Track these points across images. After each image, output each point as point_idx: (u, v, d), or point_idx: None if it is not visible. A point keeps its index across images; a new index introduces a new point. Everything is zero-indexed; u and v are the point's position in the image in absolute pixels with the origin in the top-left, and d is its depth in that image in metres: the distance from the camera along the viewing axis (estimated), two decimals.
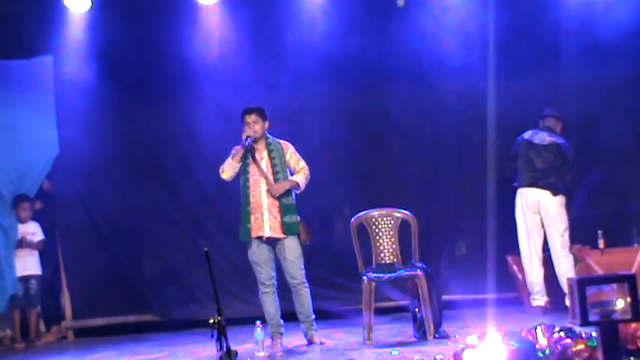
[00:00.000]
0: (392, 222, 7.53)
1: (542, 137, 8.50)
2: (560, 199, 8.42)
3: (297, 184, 7.12)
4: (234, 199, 8.58)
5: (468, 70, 9.28)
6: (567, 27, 9.17)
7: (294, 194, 7.14)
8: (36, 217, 9.31)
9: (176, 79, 9.44)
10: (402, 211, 7.62)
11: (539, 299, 8.40)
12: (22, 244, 9.06)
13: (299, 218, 7.11)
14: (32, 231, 9.20)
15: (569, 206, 8.52)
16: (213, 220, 9.51)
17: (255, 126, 7.04)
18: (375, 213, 7.58)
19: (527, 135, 8.57)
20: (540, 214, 8.42)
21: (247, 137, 6.99)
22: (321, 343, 7.08)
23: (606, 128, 9.13)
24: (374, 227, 7.53)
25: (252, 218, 7.02)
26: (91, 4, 9.09)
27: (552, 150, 8.45)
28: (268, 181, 7.01)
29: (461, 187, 9.50)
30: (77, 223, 9.55)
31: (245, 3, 9.43)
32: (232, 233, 9.01)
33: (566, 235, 8.40)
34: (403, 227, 7.55)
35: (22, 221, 9.12)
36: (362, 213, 7.60)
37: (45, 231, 9.28)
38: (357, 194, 9.23)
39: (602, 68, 9.17)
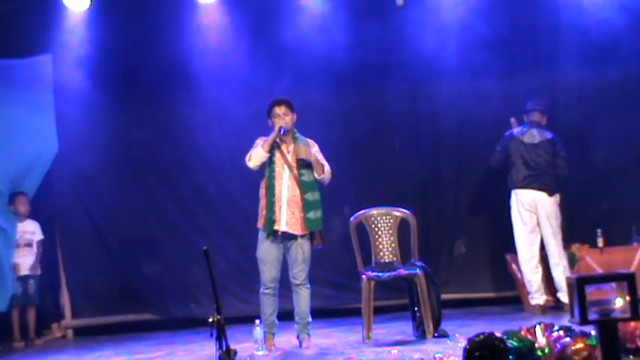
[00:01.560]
0: (391, 221, 7.54)
1: (532, 135, 8.50)
2: (556, 199, 8.45)
3: (323, 167, 7.00)
4: (233, 198, 8.63)
5: (467, 70, 9.29)
6: (565, 27, 9.17)
7: (319, 190, 7.06)
8: (34, 215, 9.29)
9: (175, 78, 9.43)
10: (401, 210, 7.63)
11: (538, 298, 8.40)
12: (21, 243, 9.06)
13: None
14: (31, 230, 9.19)
15: (563, 204, 8.55)
16: (212, 219, 9.50)
17: (285, 117, 6.98)
18: (375, 212, 7.59)
19: (516, 132, 8.56)
20: (537, 214, 8.43)
21: (281, 127, 6.91)
22: (306, 347, 7.00)
23: (604, 127, 9.14)
24: (373, 226, 7.53)
25: (275, 209, 6.92)
26: (90, 2, 9.09)
27: (543, 147, 8.46)
28: (293, 173, 6.93)
29: (460, 186, 9.50)
30: (76, 222, 9.55)
31: (244, 2, 9.43)
32: (232, 233, 9.05)
33: (560, 232, 8.43)
34: (402, 226, 7.56)
35: (20, 216, 9.10)
36: (361, 212, 7.61)
37: (44, 229, 9.27)
38: (357, 193, 9.22)
39: (599, 68, 9.17)
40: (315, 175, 7.00)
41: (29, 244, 9.14)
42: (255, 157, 6.94)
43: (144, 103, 9.55)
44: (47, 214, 9.49)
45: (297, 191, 6.95)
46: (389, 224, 7.53)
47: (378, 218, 7.55)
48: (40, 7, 9.16)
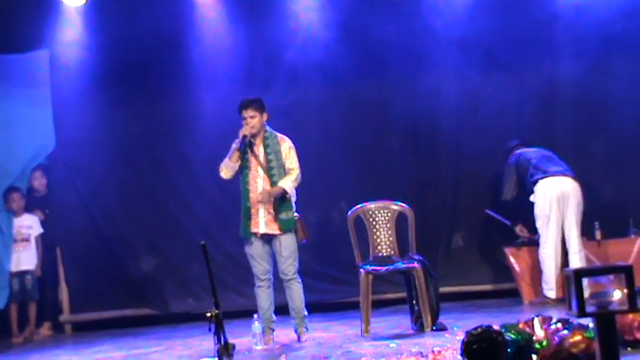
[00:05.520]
0: (389, 214, 7.54)
1: (531, 148, 8.64)
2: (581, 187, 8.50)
3: (284, 191, 6.92)
4: (231, 192, 8.61)
5: (467, 65, 9.29)
6: (564, 23, 9.19)
7: (292, 190, 7.06)
8: (30, 209, 9.27)
9: (173, 73, 9.44)
10: (398, 203, 7.62)
11: (554, 290, 8.34)
12: (18, 238, 9.06)
13: (297, 215, 7.04)
14: (28, 224, 9.17)
15: None
16: (210, 213, 9.51)
17: (252, 121, 6.91)
18: (372, 205, 7.59)
19: (517, 152, 8.65)
20: (567, 204, 8.39)
21: (244, 137, 6.86)
22: (305, 341, 6.99)
23: (602, 121, 9.15)
24: (371, 220, 7.53)
25: (251, 213, 6.96)
26: None
27: (547, 150, 8.59)
28: (266, 173, 6.91)
29: (458, 179, 9.50)
30: (74, 217, 9.55)
31: None
32: (230, 227, 9.04)
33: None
34: (400, 220, 7.56)
35: (16, 213, 9.09)
36: (359, 206, 7.61)
37: (42, 225, 9.26)
38: (354, 187, 9.22)
39: (597, 63, 9.18)
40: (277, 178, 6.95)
41: (26, 239, 9.13)
42: (227, 168, 6.98)
43: (141, 98, 9.55)
44: (44, 209, 9.48)
45: None
46: (386, 218, 7.53)
47: (376, 212, 7.55)
48: (37, 3, 9.16)
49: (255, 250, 7.01)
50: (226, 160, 6.97)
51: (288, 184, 6.95)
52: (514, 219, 8.83)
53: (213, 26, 9.47)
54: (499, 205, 8.90)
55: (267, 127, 7.07)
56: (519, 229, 8.76)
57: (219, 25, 9.48)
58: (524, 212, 8.59)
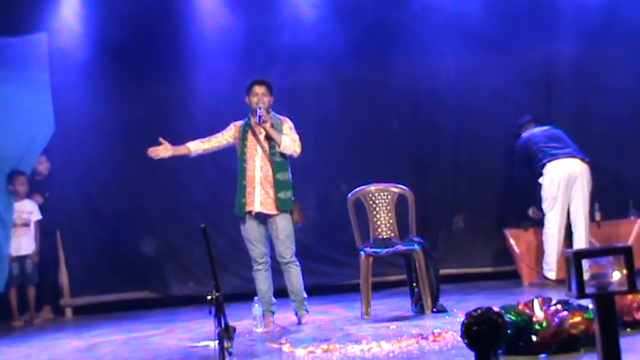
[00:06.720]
0: (389, 197, 7.54)
1: (540, 128, 8.56)
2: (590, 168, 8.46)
3: (279, 141, 6.89)
4: (232, 175, 8.62)
5: (465, 48, 9.27)
6: (562, 5, 9.18)
7: (290, 171, 7.08)
8: (30, 194, 9.27)
9: (172, 55, 9.43)
10: (399, 185, 7.63)
11: (554, 271, 8.34)
12: (18, 223, 9.05)
13: (294, 198, 7.06)
14: (29, 210, 9.17)
15: None
16: (210, 197, 9.50)
17: (264, 98, 6.95)
18: (372, 188, 7.59)
19: (525, 135, 8.59)
20: (575, 186, 8.34)
21: (260, 117, 6.84)
22: (305, 324, 6.99)
23: (602, 102, 9.14)
24: (371, 202, 7.53)
25: (246, 192, 6.98)
26: None
27: (556, 129, 8.52)
28: (265, 152, 6.90)
29: (458, 162, 9.50)
30: (75, 201, 9.55)
31: None
32: (230, 210, 9.05)
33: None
34: (400, 202, 7.56)
35: (20, 196, 9.08)
36: (359, 188, 7.61)
37: (42, 208, 9.26)
38: (354, 170, 9.22)
39: (596, 44, 9.17)
40: (277, 148, 6.95)
41: (26, 224, 9.13)
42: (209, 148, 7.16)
43: (140, 81, 9.53)
44: (45, 192, 9.48)
45: (270, 171, 6.94)
46: (387, 200, 7.53)
47: (376, 194, 7.56)
48: None
49: (251, 233, 7.01)
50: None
51: (288, 140, 6.95)
52: (525, 202, 8.78)
53: (211, 7, 9.46)
54: (508, 187, 8.88)
55: (271, 111, 7.09)
56: (532, 212, 8.72)
57: (217, 5, 9.46)
58: (534, 194, 8.55)
